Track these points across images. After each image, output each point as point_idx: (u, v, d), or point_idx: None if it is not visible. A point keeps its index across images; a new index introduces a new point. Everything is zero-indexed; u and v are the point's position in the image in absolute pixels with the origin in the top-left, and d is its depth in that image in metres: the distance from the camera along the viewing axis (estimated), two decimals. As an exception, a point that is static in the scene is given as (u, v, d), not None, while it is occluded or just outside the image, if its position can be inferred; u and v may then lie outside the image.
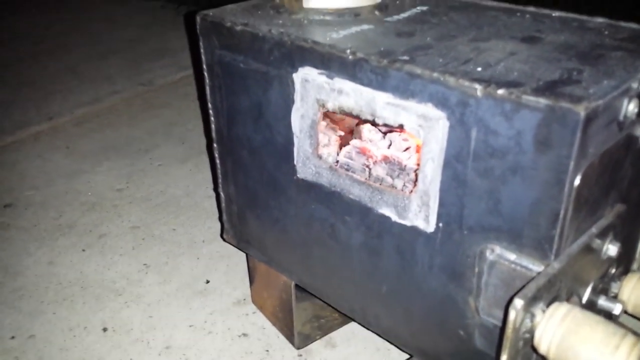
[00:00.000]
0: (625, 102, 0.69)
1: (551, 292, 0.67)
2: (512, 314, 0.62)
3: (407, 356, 0.98)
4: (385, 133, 1.00)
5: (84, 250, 1.54)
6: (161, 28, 3.26)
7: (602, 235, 0.76)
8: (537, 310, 0.66)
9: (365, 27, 0.91)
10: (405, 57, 0.77)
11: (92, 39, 3.12)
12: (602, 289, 0.83)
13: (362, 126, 1.02)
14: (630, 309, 0.85)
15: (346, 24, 0.92)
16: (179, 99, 2.42)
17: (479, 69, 0.73)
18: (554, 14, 0.95)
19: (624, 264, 0.87)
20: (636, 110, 0.70)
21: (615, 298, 0.85)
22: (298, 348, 1.22)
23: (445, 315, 0.85)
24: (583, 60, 0.75)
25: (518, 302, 0.62)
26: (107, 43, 3.04)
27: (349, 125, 1.08)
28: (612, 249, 0.77)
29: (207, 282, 1.42)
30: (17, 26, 3.38)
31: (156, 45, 2.99)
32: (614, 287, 0.85)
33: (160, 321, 1.30)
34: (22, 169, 1.93)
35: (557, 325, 0.64)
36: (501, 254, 0.74)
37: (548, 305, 0.67)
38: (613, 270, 0.83)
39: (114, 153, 2.02)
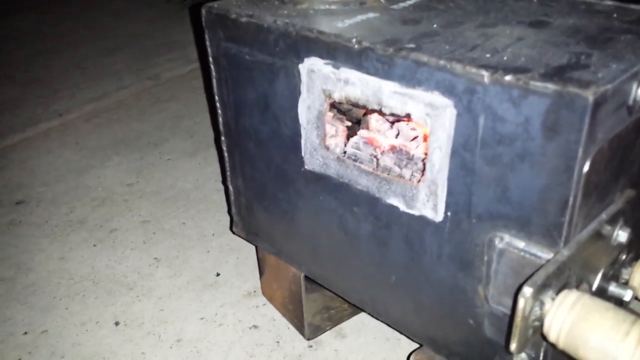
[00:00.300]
0: (635, 86, 0.68)
1: (560, 279, 0.67)
2: (521, 302, 0.62)
3: (417, 346, 0.98)
4: (392, 123, 1.00)
5: (95, 245, 1.55)
6: (167, 22, 3.26)
7: (612, 221, 0.75)
8: (547, 297, 0.65)
9: (370, 15, 0.91)
10: (412, 45, 0.77)
11: (98, 34, 3.13)
12: (613, 276, 0.82)
13: (369, 116, 1.01)
14: (641, 296, 0.84)
15: (352, 13, 0.92)
16: (186, 92, 2.42)
17: (486, 55, 0.72)
18: (561, -1, 0.94)
19: (634, 250, 0.86)
20: (646, 94, 0.69)
21: (626, 284, 0.84)
22: (308, 339, 1.22)
23: (455, 305, 0.85)
24: (591, 44, 0.74)
25: (527, 290, 0.62)
26: (114, 38, 3.05)
27: (356, 115, 1.07)
28: (622, 235, 0.77)
29: (218, 274, 1.42)
30: (24, 24, 3.39)
31: (163, 40, 3.00)
32: (625, 274, 0.84)
33: (172, 314, 1.31)
34: (32, 166, 1.94)
35: (566, 313, 0.63)
36: (510, 242, 0.73)
37: (557, 292, 0.66)
38: (624, 257, 0.82)
39: (123, 148, 2.02)
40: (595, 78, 0.64)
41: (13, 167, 1.95)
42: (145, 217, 1.65)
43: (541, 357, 0.76)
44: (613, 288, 0.80)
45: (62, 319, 1.31)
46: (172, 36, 3.02)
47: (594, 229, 0.72)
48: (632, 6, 0.88)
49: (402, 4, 0.96)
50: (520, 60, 0.70)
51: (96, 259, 1.49)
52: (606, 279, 0.79)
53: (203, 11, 1.01)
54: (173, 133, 2.11)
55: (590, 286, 0.76)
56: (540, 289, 0.64)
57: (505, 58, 0.71)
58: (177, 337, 1.25)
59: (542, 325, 0.66)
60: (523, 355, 0.76)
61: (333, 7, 0.94)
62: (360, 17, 0.89)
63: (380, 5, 0.95)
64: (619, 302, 0.83)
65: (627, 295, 0.80)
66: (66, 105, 2.33)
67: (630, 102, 0.69)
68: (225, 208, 1.66)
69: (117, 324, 1.29)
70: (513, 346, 0.65)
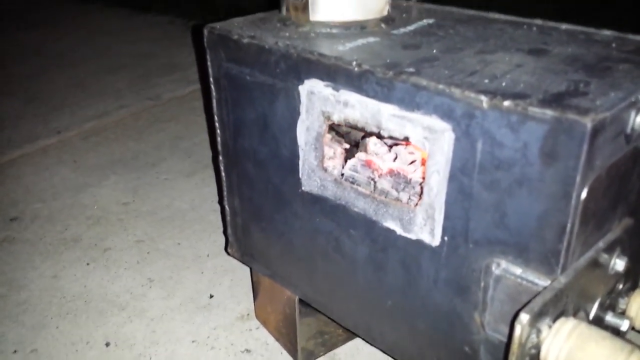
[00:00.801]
0: (633, 114, 0.68)
1: (558, 307, 0.66)
2: (517, 329, 0.61)
3: (412, 373, 0.97)
4: (391, 146, 1.00)
5: (88, 264, 1.53)
6: (170, 43, 3.29)
7: (609, 249, 0.75)
8: (544, 325, 0.64)
9: (371, 39, 0.91)
10: (411, 69, 0.77)
11: (101, 53, 3.15)
12: (610, 305, 0.81)
13: (367, 139, 1.01)
14: (638, 325, 0.83)
15: (352, 37, 0.92)
16: (186, 113, 2.43)
17: (485, 80, 0.72)
18: (561, 27, 0.95)
19: (632, 279, 0.85)
20: (644, 123, 0.69)
21: (622, 314, 0.83)
22: (302, 364, 1.20)
23: (451, 331, 0.84)
24: (590, 72, 0.75)
25: (524, 317, 0.61)
26: (116, 58, 3.07)
27: (354, 138, 1.07)
28: (619, 264, 0.76)
29: (211, 296, 1.41)
30: (27, 41, 3.42)
31: (165, 60, 3.02)
32: (622, 303, 0.83)
33: (164, 336, 1.29)
34: (29, 183, 1.94)
35: (563, 341, 0.63)
36: (507, 268, 0.73)
37: (554, 320, 0.66)
38: (621, 286, 0.82)
39: (120, 167, 2.02)
40: (593, 105, 0.64)
41: (9, 183, 1.94)
42: (140, 236, 1.64)
43: (537, 386, 0.75)
44: (610, 317, 0.79)
45: (52, 338, 1.29)
46: (175, 57, 3.04)
47: (591, 257, 0.71)
48: (631, 36, 0.89)
49: (402, 30, 0.96)
50: (519, 87, 0.70)
51: (89, 278, 1.48)
52: (603, 308, 0.78)
53: (205, 31, 1.01)
54: (171, 153, 2.11)
55: (588, 315, 0.75)
56: (537, 316, 0.63)
57: (504, 84, 0.71)
58: None
59: (538, 353, 0.65)
60: (519, 383, 0.75)
61: (334, 30, 0.95)
62: (360, 41, 0.90)
63: (380, 30, 0.96)
64: (615, 332, 0.82)
65: (624, 326, 0.79)
66: (65, 123, 2.34)
67: (629, 130, 0.69)
68: (221, 229, 1.65)
69: (107, 344, 1.27)
70: (509, 374, 0.64)
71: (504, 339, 0.76)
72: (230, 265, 1.49)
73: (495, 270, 0.74)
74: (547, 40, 0.88)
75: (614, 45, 0.86)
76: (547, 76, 0.73)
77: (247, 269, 1.41)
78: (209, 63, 1.04)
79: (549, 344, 0.64)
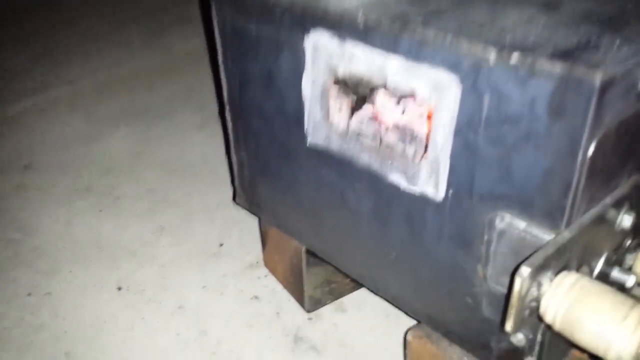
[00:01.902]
0: (645, 70, 0.67)
1: (560, 261, 0.66)
2: (518, 282, 0.62)
3: (416, 322, 0.99)
4: (399, 100, 0.99)
5: (100, 211, 1.56)
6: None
7: (617, 205, 0.74)
8: (545, 279, 0.65)
9: (380, -10, 0.89)
10: (419, 22, 0.75)
11: (115, 7, 3.11)
12: (616, 261, 0.82)
13: (375, 92, 1.00)
14: (643, 282, 0.84)
15: (361, -13, 0.90)
16: (198, 66, 2.40)
17: (494, 33, 0.71)
18: (576, -21, 0.92)
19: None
20: (657, 79, 0.68)
21: (629, 270, 0.84)
22: (308, 311, 1.23)
23: (454, 283, 0.85)
24: (604, 27, 0.73)
25: (525, 270, 0.62)
26: (130, 11, 3.03)
27: (362, 91, 1.06)
28: (626, 220, 0.76)
29: (221, 245, 1.43)
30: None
31: (178, 14, 2.98)
32: (629, 259, 0.83)
33: (173, 282, 1.32)
34: (42, 132, 1.95)
35: (563, 294, 0.63)
36: (511, 222, 0.73)
37: (556, 274, 0.66)
38: (628, 242, 0.82)
39: (132, 118, 2.03)
40: (604, 61, 0.63)
41: (22, 133, 1.96)
42: (151, 186, 1.66)
43: (538, 338, 0.76)
44: (616, 273, 0.80)
45: (65, 282, 1.33)
46: (188, 11, 2.99)
47: (598, 212, 0.71)
48: (649, -12, 0.86)
49: (413, -21, 0.94)
50: (529, 40, 0.69)
51: (101, 225, 1.50)
52: (609, 263, 0.78)
53: (211, -18, 1.00)
54: (183, 105, 2.11)
55: (592, 270, 0.75)
56: (538, 270, 0.63)
57: (513, 37, 0.70)
58: (178, 305, 1.26)
59: (539, 307, 0.66)
60: (520, 335, 0.77)
61: (343, -20, 0.93)
62: (369, -9, 0.88)
63: (391, -21, 0.94)
64: (621, 288, 0.82)
65: (630, 281, 0.79)
66: (78, 74, 2.33)
67: (640, 86, 0.68)
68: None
69: (119, 289, 1.31)
70: (508, 326, 0.65)
71: (506, 291, 0.77)
72: (240, 216, 1.51)
73: (499, 224, 0.74)
74: (562, -8, 0.86)
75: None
76: (558, 30, 0.72)
77: (256, 220, 1.42)
78: (214, 16, 1.02)
79: (549, 297, 0.64)
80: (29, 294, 1.30)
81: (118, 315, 1.24)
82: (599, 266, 0.76)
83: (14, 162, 1.79)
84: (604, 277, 0.78)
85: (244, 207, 1.24)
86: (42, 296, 1.29)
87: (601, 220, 0.72)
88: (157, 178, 1.70)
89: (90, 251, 1.42)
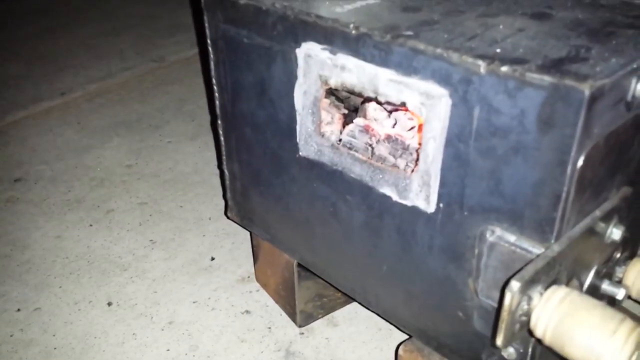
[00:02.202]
0: (634, 81, 0.66)
1: (550, 275, 0.66)
2: (508, 296, 0.61)
3: (409, 337, 0.98)
4: (390, 112, 0.99)
5: (91, 225, 1.54)
6: (176, 4, 3.24)
7: (606, 218, 0.74)
8: (535, 293, 0.64)
9: (370, 1, 0.89)
10: (409, 33, 0.75)
11: (106, 14, 3.11)
12: (606, 273, 0.81)
13: (367, 104, 1.00)
14: (634, 294, 0.83)
15: (351, -1, 0.90)
16: (190, 75, 2.41)
17: (484, 45, 0.71)
18: (566, -9, 0.92)
19: (630, 248, 0.85)
20: (645, 90, 0.68)
21: (619, 283, 0.83)
22: (300, 326, 1.22)
23: (445, 297, 0.84)
24: (593, 37, 0.73)
25: (515, 284, 0.61)
26: (122, 19, 3.04)
27: (354, 103, 1.06)
28: (616, 233, 0.75)
29: (213, 259, 1.42)
30: (33, 1, 3.37)
31: (170, 22, 2.98)
32: (619, 272, 0.83)
33: (165, 297, 1.31)
34: (33, 144, 1.94)
35: (553, 309, 0.62)
36: (501, 236, 0.72)
37: (546, 288, 0.65)
38: (618, 255, 0.81)
39: (124, 129, 2.02)
40: (593, 72, 0.62)
41: (13, 144, 1.95)
42: (143, 198, 1.65)
43: (529, 353, 0.75)
44: (606, 286, 0.79)
45: (55, 297, 1.31)
46: (180, 19, 3.00)
47: (587, 225, 0.71)
48: (637, 1, 0.86)
49: (404, -9, 0.94)
50: (519, 52, 0.68)
51: (92, 239, 1.49)
52: (599, 276, 0.78)
53: (203, -8, 1.00)
54: (175, 116, 2.10)
55: (582, 283, 0.75)
56: (528, 284, 0.63)
57: (503, 49, 0.69)
58: (169, 320, 1.25)
59: (529, 321, 0.65)
60: (511, 349, 0.76)
61: (333, -9, 0.93)
62: (359, 3, 0.88)
63: (381, -9, 0.94)
64: (611, 301, 0.82)
65: (620, 294, 0.79)
66: (69, 84, 2.33)
67: (629, 97, 0.67)
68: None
69: (109, 304, 1.29)
70: (499, 341, 0.64)
71: (497, 305, 0.76)
72: (232, 229, 1.50)
73: (490, 237, 0.74)
74: (552, 4, 0.86)
75: (619, 9, 0.83)
76: (548, 41, 0.72)
77: (248, 233, 1.41)
78: (206, 24, 1.02)
79: (539, 311, 0.64)
80: (18, 310, 1.28)
81: (108, 331, 1.22)
82: (589, 279, 0.76)
83: (4, 174, 1.77)
84: (594, 290, 0.77)
85: (235, 221, 1.23)
86: (32, 311, 1.27)
87: (591, 233, 0.72)
88: (149, 190, 1.69)
89: (81, 265, 1.40)
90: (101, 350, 1.18)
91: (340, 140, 0.94)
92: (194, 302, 1.29)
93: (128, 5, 3.25)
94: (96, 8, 3.21)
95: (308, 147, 0.94)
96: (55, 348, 1.19)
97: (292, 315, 1.23)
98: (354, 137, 0.94)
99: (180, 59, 2.57)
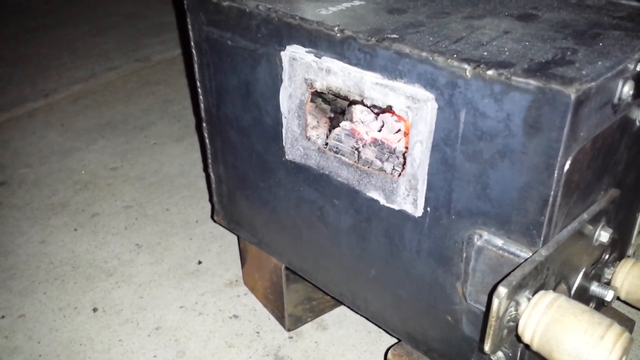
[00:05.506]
0: (620, 83, 0.66)
1: (538, 279, 0.65)
2: (495, 302, 0.61)
3: (398, 340, 0.97)
4: (377, 114, 0.98)
5: (76, 229, 1.52)
6: (160, 3, 3.21)
7: (594, 221, 0.74)
8: (522, 298, 0.64)
9: (356, 3, 0.88)
10: (395, 36, 0.74)
11: (90, 13, 3.08)
12: (595, 275, 0.81)
13: (353, 107, 0.99)
14: (623, 296, 0.83)
15: (336, 0, 0.89)
16: (175, 76, 2.39)
17: (470, 48, 0.70)
18: (551, -9, 0.92)
19: (618, 249, 0.84)
20: (632, 92, 0.67)
21: (608, 284, 0.83)
22: (289, 330, 1.21)
23: (433, 301, 0.84)
24: (579, 39, 0.73)
25: (502, 290, 0.61)
26: (105, 18, 3.01)
27: (340, 106, 1.05)
28: (604, 235, 0.75)
29: (200, 262, 1.41)
30: (15, 0, 3.33)
31: (155, 21, 2.96)
32: (607, 274, 0.83)
33: (151, 302, 1.29)
34: (16, 147, 1.91)
35: (541, 314, 0.62)
36: (489, 240, 0.72)
37: (534, 293, 0.65)
38: (606, 256, 0.81)
39: (109, 131, 2.00)
40: (579, 75, 0.62)
41: (-4, 147, 1.92)
42: (128, 202, 1.63)
43: (518, 357, 0.75)
44: (595, 288, 0.79)
45: (40, 303, 1.29)
46: (165, 18, 2.97)
47: (575, 228, 0.70)
48: (623, 1, 0.86)
49: (389, -7, 0.93)
50: (504, 55, 0.68)
51: (77, 244, 1.47)
52: (588, 278, 0.78)
53: (185, -6, 0.98)
54: (160, 117, 2.08)
55: (570, 287, 0.75)
56: (515, 289, 0.62)
57: (489, 52, 0.69)
58: (155, 325, 1.23)
59: (517, 326, 0.65)
60: (500, 354, 0.75)
61: (318, -7, 0.92)
62: (345, 5, 0.87)
63: (366, -7, 0.93)
64: (600, 302, 0.82)
65: (609, 296, 0.79)
66: (53, 85, 2.30)
67: (616, 100, 0.67)
68: (210, 195, 1.64)
69: (95, 310, 1.27)
70: (487, 347, 0.64)
71: (485, 310, 0.75)
72: (219, 232, 1.49)
73: (477, 241, 0.73)
74: (538, 5, 0.85)
75: (605, 10, 0.83)
76: (534, 43, 0.71)
77: (235, 236, 1.40)
78: (189, 26, 1.01)
79: (526, 317, 0.63)
80: (3, 316, 1.26)
81: (94, 338, 1.20)
82: (577, 281, 0.75)
83: (-12, 179, 1.75)
84: (583, 292, 0.77)
85: (222, 225, 1.21)
86: (16, 318, 1.25)
87: (579, 236, 0.72)
88: (135, 193, 1.67)
89: (66, 271, 1.38)
90: (87, 357, 1.16)
91: (326, 143, 0.93)
92: (180, 307, 1.28)
93: (110, 5, 3.22)
94: (77, 7, 3.17)
95: (294, 150, 0.93)
96: (40, 355, 1.17)
97: (280, 319, 1.22)
98: (340, 140, 0.93)
99: (166, 59, 2.55)
